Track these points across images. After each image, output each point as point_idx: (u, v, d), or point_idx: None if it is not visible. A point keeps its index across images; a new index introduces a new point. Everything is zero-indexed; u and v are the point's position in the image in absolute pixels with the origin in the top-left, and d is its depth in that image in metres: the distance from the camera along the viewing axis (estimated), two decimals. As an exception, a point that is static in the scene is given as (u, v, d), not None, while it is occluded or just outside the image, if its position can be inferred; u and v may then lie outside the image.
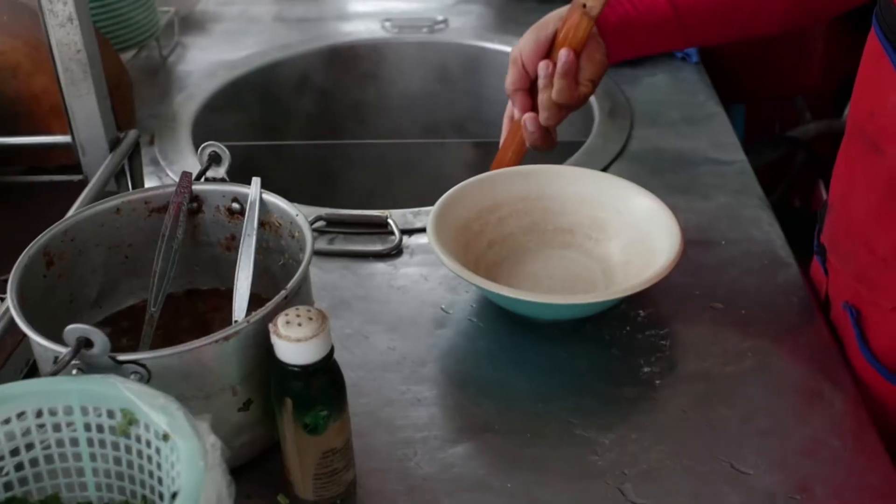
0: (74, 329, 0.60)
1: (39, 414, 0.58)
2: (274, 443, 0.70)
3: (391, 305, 0.92)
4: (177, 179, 1.12)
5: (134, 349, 0.77)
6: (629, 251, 0.93)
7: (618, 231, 0.95)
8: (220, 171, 0.82)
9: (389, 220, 1.02)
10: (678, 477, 0.73)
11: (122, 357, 0.62)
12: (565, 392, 0.81)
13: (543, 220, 0.98)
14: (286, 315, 0.64)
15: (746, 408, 0.79)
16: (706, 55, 1.43)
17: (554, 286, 0.93)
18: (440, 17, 1.58)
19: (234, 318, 0.75)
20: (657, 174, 1.12)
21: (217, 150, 0.82)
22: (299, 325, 0.63)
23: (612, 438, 0.76)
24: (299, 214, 0.77)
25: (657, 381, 0.82)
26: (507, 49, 1.49)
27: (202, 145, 0.82)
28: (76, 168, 0.99)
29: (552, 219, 0.98)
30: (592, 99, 1.31)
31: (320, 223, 1.03)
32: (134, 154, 0.99)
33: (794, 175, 1.80)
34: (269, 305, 0.66)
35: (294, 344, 0.62)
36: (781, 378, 0.83)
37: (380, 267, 0.98)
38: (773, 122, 1.74)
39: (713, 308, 0.90)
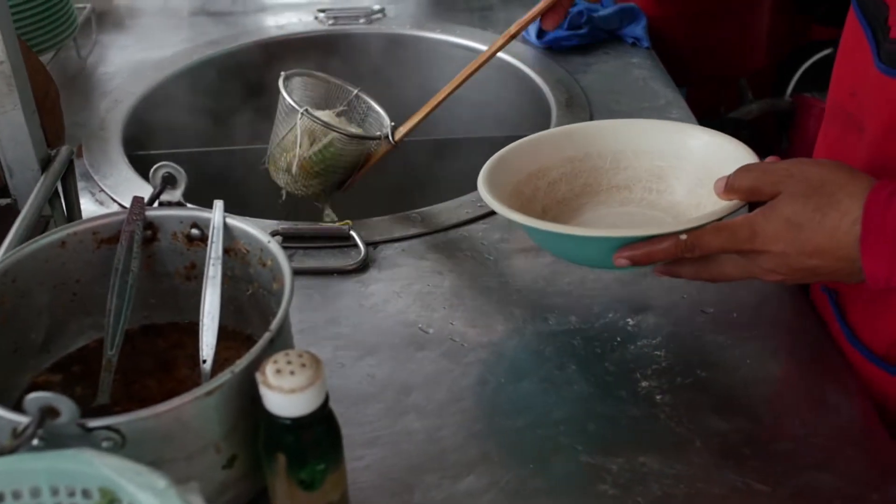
0: (37, 398, 0.52)
1: (1, 498, 0.50)
2: (260, 490, 0.64)
3: (364, 328, 0.86)
4: (112, 195, 1.05)
5: (90, 398, 0.69)
6: (698, 193, 0.85)
7: (680, 177, 0.88)
8: (176, 195, 0.74)
9: (352, 232, 0.95)
10: (693, 502, 0.69)
11: (92, 423, 0.54)
12: (564, 414, 0.76)
13: (596, 181, 0.91)
14: (275, 362, 0.57)
15: (753, 421, 0.75)
16: (654, 41, 1.40)
17: None
18: (377, 7, 1.51)
19: (202, 357, 0.69)
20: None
21: (172, 171, 0.74)
22: (291, 373, 0.56)
23: (619, 464, 0.71)
24: (272, 241, 0.70)
25: (657, 397, 0.77)
26: (450, 38, 1.44)
27: (155, 166, 0.74)
28: (3, 191, 0.89)
29: (606, 177, 0.91)
30: (546, 89, 1.26)
31: (276, 238, 0.95)
32: (68, 173, 0.90)
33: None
34: (254, 351, 0.59)
35: (287, 395, 0.56)
36: (783, 385, 0.79)
37: (347, 285, 0.91)
38: (716, 103, 1.71)
39: (704, 313, 0.86)
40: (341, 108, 1.06)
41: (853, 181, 0.68)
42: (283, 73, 1.02)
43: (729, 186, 0.74)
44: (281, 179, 1.02)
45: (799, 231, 0.68)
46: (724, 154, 0.82)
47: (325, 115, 1.01)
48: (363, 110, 1.08)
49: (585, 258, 0.82)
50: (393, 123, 1.02)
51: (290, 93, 1.01)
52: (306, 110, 0.98)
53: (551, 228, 0.76)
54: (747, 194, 0.73)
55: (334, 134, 0.98)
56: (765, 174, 0.72)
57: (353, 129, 1.02)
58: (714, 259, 0.75)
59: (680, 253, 0.73)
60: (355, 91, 1.08)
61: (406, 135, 1.01)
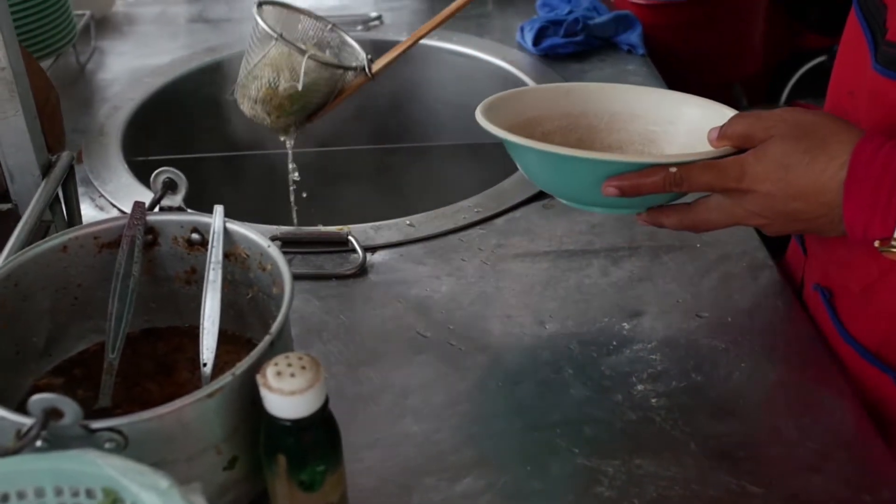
0: (41, 399, 0.52)
1: (5, 499, 0.51)
2: (260, 491, 0.64)
3: (362, 331, 0.86)
4: (112, 200, 1.06)
5: (91, 400, 0.70)
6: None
7: (671, 142, 0.89)
8: (177, 199, 0.75)
9: (350, 238, 0.96)
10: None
11: (95, 425, 0.55)
12: (560, 417, 0.77)
13: (590, 139, 0.92)
14: (276, 365, 0.57)
15: (747, 424, 0.76)
16: (649, 48, 1.41)
17: None
18: (374, 14, 1.52)
19: (202, 360, 0.69)
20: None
21: (172, 175, 0.75)
22: (292, 375, 0.57)
23: (615, 466, 0.72)
24: (271, 245, 0.71)
25: (653, 400, 0.78)
26: (446, 45, 1.45)
27: (156, 171, 0.75)
28: (4, 196, 0.90)
29: (599, 137, 0.92)
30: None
31: (276, 243, 0.96)
32: (68, 178, 0.91)
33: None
34: (255, 354, 0.60)
35: (287, 397, 0.56)
36: (777, 389, 0.80)
37: (345, 289, 0.92)
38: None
39: (699, 317, 0.87)
40: (316, 40, 1.01)
41: (845, 129, 0.70)
42: (256, 1, 0.98)
43: (722, 133, 0.75)
44: (248, 109, 0.99)
45: (787, 171, 0.70)
46: (717, 123, 0.83)
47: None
48: (337, 45, 1.04)
49: (575, 186, 0.81)
50: (370, 56, 1.00)
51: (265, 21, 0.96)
52: (280, 35, 0.93)
53: (546, 148, 0.76)
54: (740, 140, 0.74)
55: (309, 61, 0.94)
56: (759, 120, 0.73)
57: (330, 58, 0.99)
58: (699, 205, 0.76)
59: (668, 187, 0.73)
60: (330, 24, 1.03)
61: (383, 69, 0.98)
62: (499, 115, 0.84)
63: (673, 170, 0.73)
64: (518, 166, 0.84)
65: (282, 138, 1.02)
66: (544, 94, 0.92)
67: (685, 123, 0.88)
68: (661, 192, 0.74)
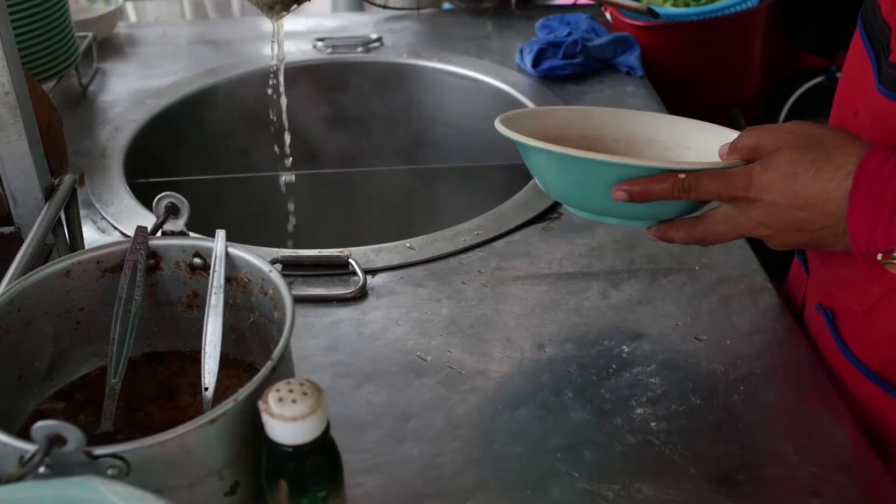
0: (44, 426, 0.53)
1: (8, 526, 0.51)
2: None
3: (363, 355, 0.87)
4: (114, 223, 1.06)
5: (93, 425, 0.70)
6: None
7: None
8: (179, 224, 0.76)
9: (350, 260, 0.97)
10: (688, 528, 0.70)
11: (98, 451, 0.55)
12: (561, 441, 0.77)
13: None
14: (277, 391, 0.58)
15: (746, 447, 0.76)
16: (648, 70, 1.42)
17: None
18: (374, 36, 1.53)
19: (204, 385, 0.70)
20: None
21: (175, 200, 0.75)
22: (293, 401, 0.57)
23: (615, 490, 0.72)
24: (273, 270, 0.71)
25: (652, 424, 0.78)
26: (446, 67, 1.46)
27: (158, 196, 0.75)
28: (7, 220, 0.90)
29: None
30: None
31: (276, 266, 0.96)
32: (71, 201, 0.91)
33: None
34: (257, 380, 0.60)
35: (289, 423, 0.57)
36: (776, 412, 0.80)
37: (345, 312, 0.92)
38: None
39: (698, 340, 0.87)
40: None
41: (852, 142, 0.71)
42: None
43: (732, 147, 0.76)
44: None
45: (794, 180, 0.71)
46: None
47: None
48: None
49: (586, 192, 0.81)
50: None
51: None
52: None
53: (559, 150, 0.77)
54: (750, 152, 0.75)
55: None
56: (769, 133, 0.74)
57: None
58: (706, 217, 0.77)
59: (677, 193, 0.74)
60: None
61: None
62: (517, 128, 0.85)
63: (682, 176, 0.74)
64: (532, 174, 0.85)
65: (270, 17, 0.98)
66: (565, 115, 0.93)
67: (699, 148, 0.88)
68: (669, 198, 0.75)
